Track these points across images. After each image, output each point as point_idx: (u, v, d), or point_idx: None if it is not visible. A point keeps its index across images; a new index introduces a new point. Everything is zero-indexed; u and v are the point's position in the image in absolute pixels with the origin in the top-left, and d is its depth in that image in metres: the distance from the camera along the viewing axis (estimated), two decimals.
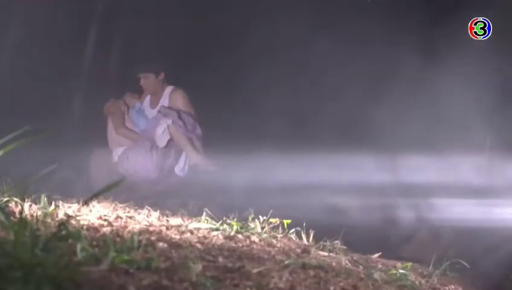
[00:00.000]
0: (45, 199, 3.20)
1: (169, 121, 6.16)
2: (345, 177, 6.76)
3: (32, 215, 2.81)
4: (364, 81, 7.53)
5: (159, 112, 6.28)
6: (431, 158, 7.19)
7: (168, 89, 6.49)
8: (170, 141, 6.20)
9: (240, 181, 6.23)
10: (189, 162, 6.27)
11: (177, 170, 6.34)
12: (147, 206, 4.00)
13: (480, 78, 7.05)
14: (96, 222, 3.01)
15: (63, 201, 3.61)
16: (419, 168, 7.15)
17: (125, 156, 6.29)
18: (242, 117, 7.51)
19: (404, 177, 7.07)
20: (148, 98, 6.55)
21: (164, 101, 6.44)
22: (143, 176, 6.23)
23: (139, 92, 6.59)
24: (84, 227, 2.81)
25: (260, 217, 3.91)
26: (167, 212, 4.00)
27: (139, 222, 3.28)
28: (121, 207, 3.92)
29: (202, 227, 3.44)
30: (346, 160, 7.01)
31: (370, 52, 7.53)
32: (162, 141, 6.18)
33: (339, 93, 7.49)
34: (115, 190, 2.63)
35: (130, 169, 6.23)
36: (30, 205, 3.22)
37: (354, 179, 6.83)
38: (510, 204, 6.52)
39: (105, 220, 3.12)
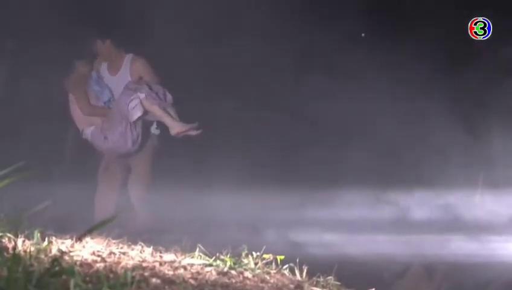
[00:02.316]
0: (38, 234, 3.19)
1: (142, 95, 6.08)
2: (338, 213, 6.77)
3: (25, 251, 2.80)
4: (358, 105, 7.51)
5: (126, 87, 6.17)
6: (424, 194, 7.21)
7: (128, 56, 6.41)
8: (143, 115, 6.14)
9: (235, 217, 6.23)
10: (170, 132, 6.19)
11: (153, 129, 6.32)
12: (140, 242, 3.99)
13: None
14: (90, 258, 3.01)
15: (56, 237, 3.60)
16: (412, 204, 7.16)
17: (102, 136, 6.24)
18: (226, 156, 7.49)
19: (397, 212, 7.08)
20: (105, 65, 6.45)
21: (125, 69, 6.32)
22: (122, 151, 6.23)
23: (89, 59, 6.46)
24: (78, 263, 2.81)
25: (253, 253, 3.91)
26: (160, 248, 3.99)
27: (132, 258, 3.27)
28: (114, 243, 3.91)
29: (195, 263, 3.43)
30: (340, 195, 7.03)
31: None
32: (133, 116, 6.12)
33: (332, 127, 7.51)
34: (108, 225, 2.63)
35: (107, 148, 6.23)
36: (23, 241, 3.21)
37: (347, 215, 6.85)
38: (502, 239, 6.53)
39: (98, 255, 3.12)
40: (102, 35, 6.31)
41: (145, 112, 6.10)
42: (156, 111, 6.10)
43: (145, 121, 6.23)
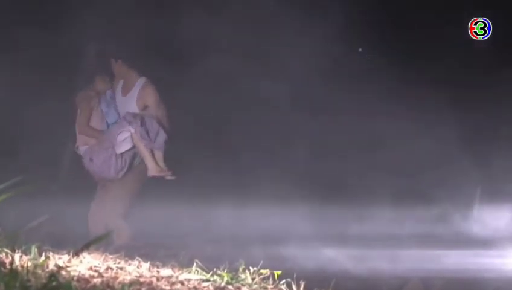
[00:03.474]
0: (36, 249, 3.19)
1: (133, 130, 6.13)
2: (335, 227, 6.77)
3: (22, 267, 2.80)
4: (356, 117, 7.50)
5: (124, 118, 6.21)
6: (421, 208, 7.22)
7: (140, 80, 6.42)
8: (129, 150, 6.17)
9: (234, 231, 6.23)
10: (148, 173, 6.22)
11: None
12: (137, 257, 3.99)
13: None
14: (87, 273, 3.00)
15: (53, 252, 3.60)
16: (408, 218, 7.17)
17: (88, 157, 6.28)
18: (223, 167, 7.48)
19: (395, 227, 7.08)
20: (121, 83, 6.48)
21: (134, 92, 6.36)
22: (103, 177, 6.24)
23: (110, 77, 6.48)
24: (75, 278, 2.81)
25: (251, 268, 3.91)
26: (158, 263, 3.98)
27: (129, 273, 3.27)
28: (111, 258, 3.91)
29: (193, 278, 3.43)
30: (337, 210, 7.03)
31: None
32: (120, 148, 6.16)
33: (331, 139, 7.51)
34: (105, 240, 2.63)
35: (91, 170, 6.26)
36: (21, 256, 3.21)
37: (344, 230, 6.85)
38: (499, 254, 6.53)
39: (95, 271, 3.11)
40: (114, 55, 6.36)
41: (132, 146, 6.17)
42: (141, 149, 6.16)
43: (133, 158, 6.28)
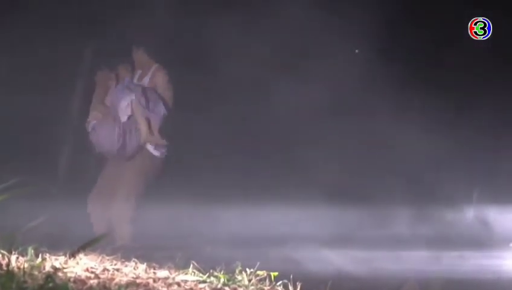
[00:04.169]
0: (32, 251, 3.19)
1: (133, 96, 6.16)
2: (332, 229, 6.77)
3: (19, 268, 2.80)
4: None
5: (126, 86, 6.26)
6: (418, 209, 7.22)
7: (154, 66, 6.47)
8: (131, 116, 6.20)
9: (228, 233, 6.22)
10: (141, 140, 6.23)
11: (151, 149, 6.33)
12: (133, 259, 3.99)
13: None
14: (83, 274, 3.01)
15: (50, 253, 3.60)
16: (406, 219, 7.17)
17: (94, 130, 6.31)
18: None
19: (392, 228, 7.08)
20: (138, 73, 6.53)
21: (147, 78, 6.43)
22: (108, 149, 6.24)
23: (131, 65, 6.54)
24: (71, 279, 2.81)
25: (247, 269, 3.91)
26: (154, 264, 3.98)
27: (126, 275, 3.28)
28: (108, 259, 3.91)
29: (189, 279, 3.43)
30: (335, 211, 7.03)
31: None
32: (123, 115, 6.19)
33: (327, 143, 7.51)
34: (102, 241, 2.64)
35: (96, 142, 6.27)
36: (17, 257, 3.21)
37: (341, 231, 6.85)
38: (498, 256, 6.54)
39: (92, 272, 3.12)
40: (136, 44, 6.40)
41: (132, 114, 6.18)
42: (138, 116, 6.16)
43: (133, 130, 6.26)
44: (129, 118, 6.19)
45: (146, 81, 6.41)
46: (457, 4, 7.55)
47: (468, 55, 7.43)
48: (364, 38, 7.57)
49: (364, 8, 7.52)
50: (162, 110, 6.22)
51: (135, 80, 6.46)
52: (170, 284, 3.20)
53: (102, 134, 6.26)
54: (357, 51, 7.99)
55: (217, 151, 7.68)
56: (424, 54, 7.61)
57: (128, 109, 6.18)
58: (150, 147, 6.23)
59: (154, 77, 6.40)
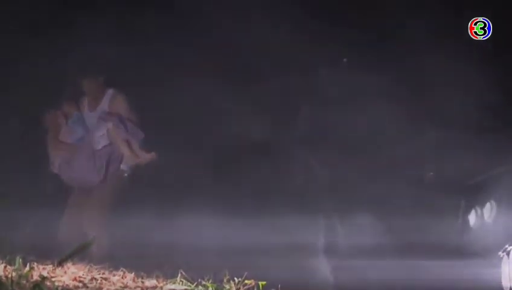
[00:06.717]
0: (20, 260, 3.18)
1: (110, 125, 6.16)
2: (319, 238, 6.78)
3: (7, 277, 2.80)
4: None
5: (100, 118, 6.25)
6: (404, 218, 7.23)
7: (108, 92, 6.46)
8: (107, 145, 6.20)
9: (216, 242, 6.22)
10: (126, 163, 6.23)
11: (122, 165, 6.33)
12: (121, 268, 3.99)
13: None
14: (71, 284, 3.00)
15: (37, 262, 3.59)
16: (394, 229, 7.18)
17: (67, 165, 6.28)
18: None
19: (379, 236, 7.09)
20: (86, 101, 6.50)
21: (104, 104, 6.40)
22: (87, 181, 6.24)
23: (75, 98, 6.51)
24: (59, 288, 2.81)
25: (235, 278, 3.91)
26: (142, 273, 3.99)
27: (114, 284, 3.27)
28: (95, 268, 3.91)
29: (177, 288, 3.44)
30: (321, 221, 7.03)
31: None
32: (98, 144, 6.19)
33: (321, 151, 7.51)
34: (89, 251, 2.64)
35: (73, 176, 6.24)
36: (5, 266, 3.21)
37: (329, 240, 6.85)
38: (484, 264, 6.55)
39: (80, 281, 3.11)
40: (95, 74, 6.39)
41: (110, 142, 6.18)
42: (118, 141, 6.17)
43: (112, 157, 6.28)
44: (105, 146, 6.21)
45: (104, 107, 6.39)
46: (457, 4, 7.56)
47: (468, 55, 7.44)
48: (363, 37, 7.58)
49: (364, 8, 7.54)
50: (140, 133, 6.25)
51: (85, 110, 6.45)
52: None
53: (75, 168, 6.25)
54: (345, 59, 8.00)
55: (207, 161, 7.68)
56: (424, 54, 7.60)
57: (103, 138, 6.19)
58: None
59: (114, 101, 6.39)
